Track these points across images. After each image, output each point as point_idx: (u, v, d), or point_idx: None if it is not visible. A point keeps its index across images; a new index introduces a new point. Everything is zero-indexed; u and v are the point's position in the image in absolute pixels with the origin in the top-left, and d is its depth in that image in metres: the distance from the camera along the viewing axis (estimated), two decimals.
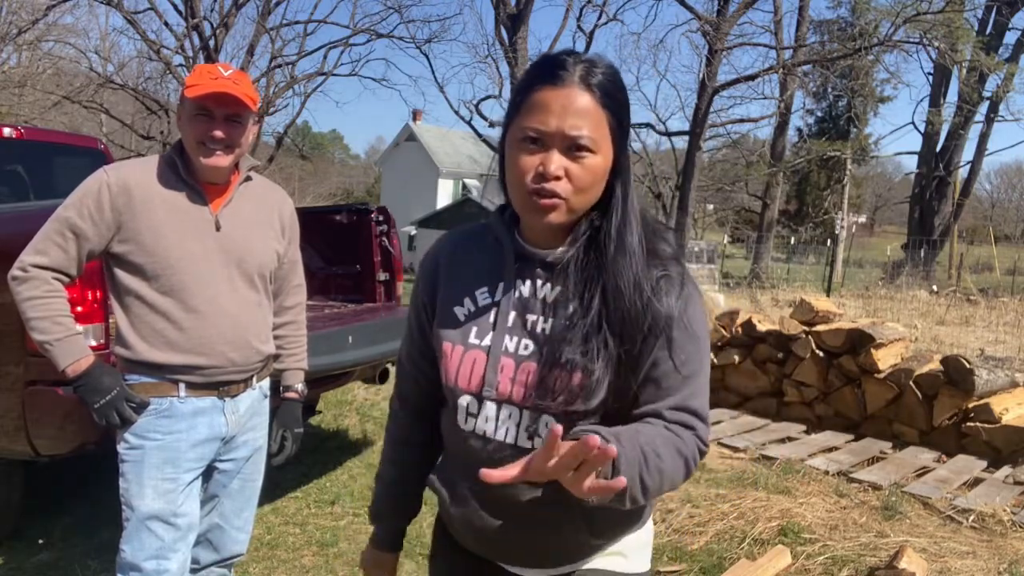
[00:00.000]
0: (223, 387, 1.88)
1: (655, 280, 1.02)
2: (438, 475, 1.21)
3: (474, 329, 1.07)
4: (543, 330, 1.04)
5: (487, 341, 1.06)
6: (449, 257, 1.15)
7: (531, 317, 1.05)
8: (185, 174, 1.82)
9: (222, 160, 1.80)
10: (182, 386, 1.83)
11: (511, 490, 1.04)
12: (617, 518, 1.11)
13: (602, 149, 0.99)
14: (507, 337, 1.05)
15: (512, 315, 1.06)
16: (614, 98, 1.00)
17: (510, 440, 1.06)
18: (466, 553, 1.20)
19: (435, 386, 1.17)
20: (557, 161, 0.97)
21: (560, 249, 1.05)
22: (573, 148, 0.97)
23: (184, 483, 1.85)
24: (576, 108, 0.97)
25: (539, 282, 1.06)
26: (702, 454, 1.03)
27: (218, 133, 1.77)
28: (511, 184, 1.02)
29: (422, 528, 3.37)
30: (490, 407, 1.06)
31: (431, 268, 1.17)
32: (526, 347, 1.04)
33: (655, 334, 1.01)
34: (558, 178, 0.97)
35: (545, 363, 1.02)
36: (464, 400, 1.08)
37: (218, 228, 1.84)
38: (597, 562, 1.14)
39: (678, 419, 1.01)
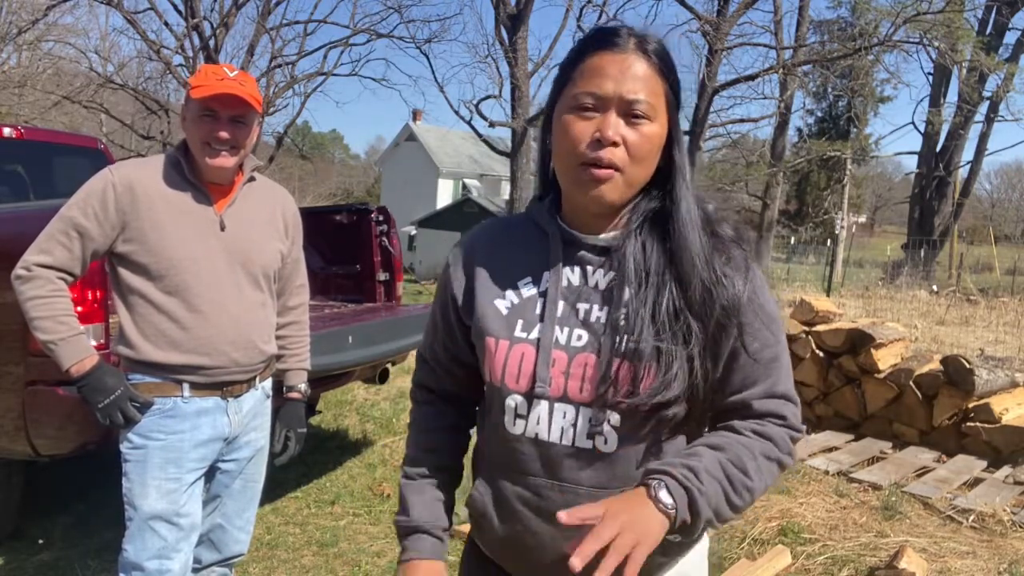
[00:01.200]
0: (226, 387, 1.89)
1: (721, 263, 0.97)
2: (478, 493, 1.08)
3: (520, 322, 1.00)
4: (598, 319, 0.97)
5: (535, 334, 0.98)
6: (486, 248, 1.08)
7: (583, 306, 0.98)
8: (189, 174, 1.82)
9: (227, 161, 1.80)
10: (186, 386, 1.83)
11: (574, 500, 0.97)
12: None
13: (659, 117, 0.96)
14: (558, 328, 0.98)
15: (562, 304, 0.99)
16: (670, 67, 0.98)
17: (567, 442, 0.97)
18: None
19: (462, 384, 1.14)
20: (615, 125, 0.92)
21: (612, 233, 0.99)
22: (631, 114, 0.93)
23: (187, 483, 1.85)
24: (634, 73, 0.94)
25: (590, 268, 1.00)
26: (794, 441, 1.02)
27: (223, 134, 1.77)
28: (562, 156, 0.96)
29: None
30: (542, 406, 0.97)
31: (463, 261, 1.08)
32: (579, 338, 0.97)
33: (731, 320, 0.96)
34: (615, 144, 0.92)
35: (606, 353, 0.94)
36: (513, 400, 0.99)
37: (222, 228, 1.84)
38: None
39: (768, 408, 0.99)
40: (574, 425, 0.97)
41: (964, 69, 19.43)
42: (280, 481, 3.70)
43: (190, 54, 19.31)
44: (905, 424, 4.86)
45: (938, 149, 22.14)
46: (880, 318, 7.59)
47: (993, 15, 20.55)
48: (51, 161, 4.86)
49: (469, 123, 20.91)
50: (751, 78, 19.69)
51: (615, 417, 0.96)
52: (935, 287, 15.55)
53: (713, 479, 0.91)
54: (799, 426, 1.02)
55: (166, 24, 19.69)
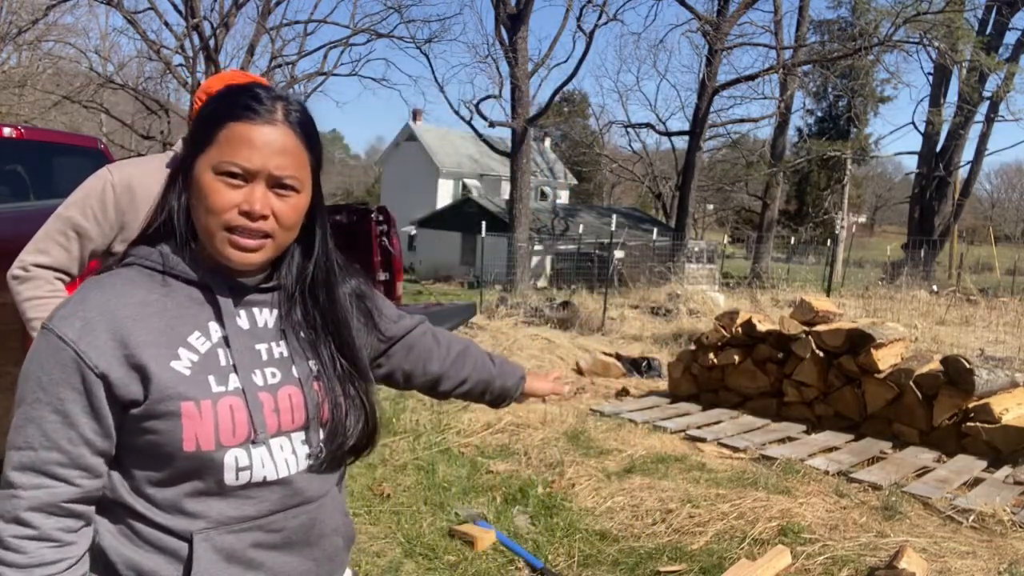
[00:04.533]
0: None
1: (356, 287, 1.16)
2: (206, 567, 0.96)
3: (211, 377, 0.96)
4: (281, 353, 1.04)
5: (234, 384, 0.98)
6: (130, 310, 0.94)
7: (262, 346, 1.03)
8: None
9: None
10: None
11: (316, 530, 1.06)
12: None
13: (306, 187, 1.00)
14: (253, 373, 1.00)
15: (245, 349, 1.01)
16: (314, 136, 1.02)
17: (293, 470, 1.02)
18: None
19: (99, 484, 0.95)
20: (263, 200, 0.95)
21: (260, 276, 1.05)
22: (278, 186, 0.97)
23: None
24: (283, 147, 0.96)
25: (256, 310, 1.04)
26: None
27: None
28: (207, 216, 0.96)
29: (422, 528, 3.37)
30: (262, 449, 0.99)
31: (103, 331, 0.92)
32: (274, 375, 1.02)
33: (374, 321, 1.20)
34: (265, 217, 0.96)
35: (306, 380, 1.03)
36: (233, 457, 0.96)
37: None
38: None
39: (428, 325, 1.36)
40: (294, 452, 1.02)
41: (964, 69, 19.45)
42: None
43: (190, 54, 19.32)
44: (905, 424, 4.86)
45: (938, 149, 22.15)
46: (880, 318, 7.59)
47: (993, 15, 20.56)
48: (51, 161, 4.85)
49: (469, 123, 20.96)
50: (751, 78, 19.70)
51: (321, 431, 1.05)
52: (935, 287, 15.56)
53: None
54: None
55: (166, 24, 19.73)
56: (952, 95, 21.55)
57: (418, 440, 4.54)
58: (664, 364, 6.90)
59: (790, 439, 4.92)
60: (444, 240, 26.73)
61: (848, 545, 3.20)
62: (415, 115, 34.15)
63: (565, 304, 10.82)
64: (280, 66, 21.02)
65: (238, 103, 0.97)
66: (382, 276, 4.42)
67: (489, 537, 3.23)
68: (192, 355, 0.96)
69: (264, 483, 0.99)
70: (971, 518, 3.53)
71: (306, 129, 1.00)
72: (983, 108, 21.26)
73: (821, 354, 5.20)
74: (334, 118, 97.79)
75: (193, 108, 1.83)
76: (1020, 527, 3.47)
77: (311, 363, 1.05)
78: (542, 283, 20.83)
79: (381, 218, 4.39)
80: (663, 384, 6.44)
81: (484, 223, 14.87)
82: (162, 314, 0.96)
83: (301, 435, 1.03)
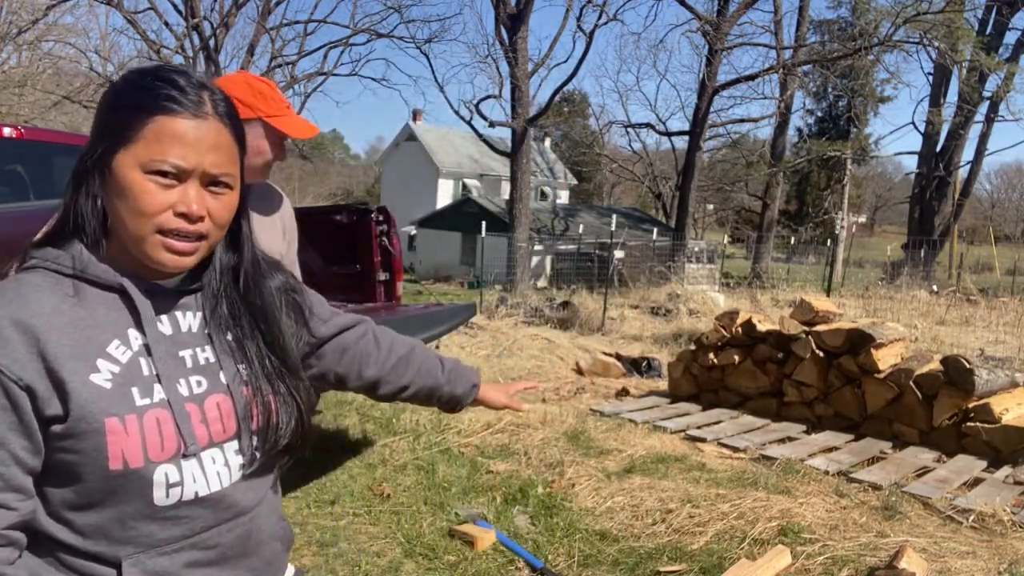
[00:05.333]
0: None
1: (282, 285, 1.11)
2: None
3: (135, 389, 0.90)
4: (207, 359, 0.98)
5: (159, 395, 0.91)
6: (44, 319, 0.87)
7: (187, 352, 0.96)
8: None
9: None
10: None
11: (253, 539, 1.02)
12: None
13: (237, 183, 0.96)
14: (178, 382, 0.94)
15: (169, 357, 0.94)
16: (239, 127, 0.97)
17: (226, 483, 0.97)
18: None
19: (32, 506, 0.89)
20: (200, 200, 0.90)
21: (181, 276, 0.98)
22: (213, 184, 0.92)
23: None
24: (215, 142, 0.91)
25: (179, 314, 0.98)
26: None
27: (281, 156, 1.86)
28: (132, 216, 0.88)
29: (422, 528, 3.37)
30: (193, 463, 0.93)
31: (21, 341, 0.85)
32: (200, 384, 0.96)
33: (304, 318, 1.15)
34: (202, 218, 0.91)
35: (235, 387, 0.98)
36: (162, 473, 0.90)
37: None
38: None
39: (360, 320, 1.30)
40: (227, 464, 0.97)
41: (964, 69, 19.45)
42: (280, 481, 3.70)
43: (190, 54, 19.33)
44: (905, 424, 4.86)
45: (938, 149, 22.15)
46: (880, 318, 7.59)
47: (993, 15, 20.56)
48: (51, 161, 4.86)
49: (469, 123, 20.96)
50: (751, 78, 19.70)
51: (254, 438, 1.00)
52: (935, 287, 15.56)
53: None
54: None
55: (166, 24, 19.74)
56: (952, 95, 21.58)
57: (418, 440, 4.54)
58: (664, 364, 6.90)
59: (790, 439, 4.92)
60: (444, 240, 26.73)
61: (848, 545, 3.20)
62: (415, 115, 34.17)
63: (565, 304, 10.83)
64: (280, 66, 21.04)
65: (161, 93, 0.90)
66: (382, 276, 4.42)
67: (489, 537, 3.23)
68: (112, 366, 0.89)
69: (196, 499, 0.94)
70: (971, 518, 3.53)
71: (233, 120, 0.95)
72: (983, 108, 21.27)
73: (821, 354, 5.20)
74: (334, 118, 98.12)
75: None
76: (1020, 527, 3.47)
77: (240, 366, 1.00)
78: (542, 283, 20.83)
79: (381, 218, 4.39)
80: (663, 384, 6.44)
81: (484, 223, 14.87)
82: (76, 323, 0.89)
83: (234, 444, 0.98)
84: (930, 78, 22.05)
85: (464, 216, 25.45)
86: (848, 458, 4.45)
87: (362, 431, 4.85)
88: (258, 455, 1.00)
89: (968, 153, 22.30)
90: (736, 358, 5.62)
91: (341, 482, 3.96)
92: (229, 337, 1.01)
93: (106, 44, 22.99)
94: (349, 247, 4.48)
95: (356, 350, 1.27)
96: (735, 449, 4.64)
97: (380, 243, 4.38)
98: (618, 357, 7.41)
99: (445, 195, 32.43)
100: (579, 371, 7.12)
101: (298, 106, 21.81)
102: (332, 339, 1.24)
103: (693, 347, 6.07)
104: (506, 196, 23.25)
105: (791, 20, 24.45)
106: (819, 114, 34.56)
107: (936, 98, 21.81)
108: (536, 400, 5.77)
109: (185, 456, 0.92)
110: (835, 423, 5.15)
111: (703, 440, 4.78)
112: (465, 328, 8.14)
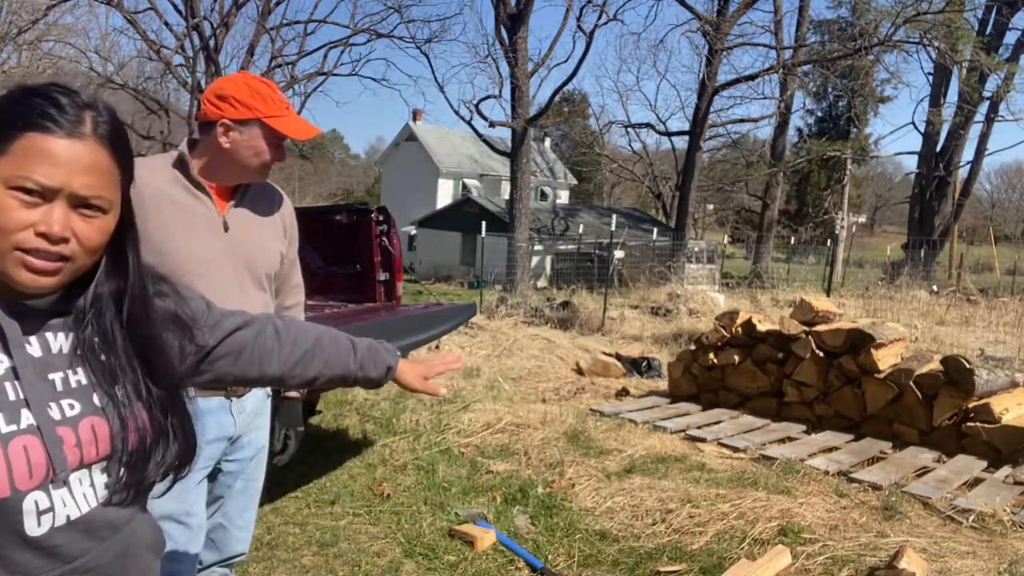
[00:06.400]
0: (230, 386, 1.89)
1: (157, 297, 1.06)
2: None
3: (0, 416, 0.86)
4: (79, 382, 0.93)
5: (27, 420, 0.87)
6: None
7: (57, 375, 0.92)
8: (194, 174, 1.81)
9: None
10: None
11: (129, 554, 0.99)
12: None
13: (114, 207, 0.92)
14: (49, 406, 0.89)
15: (37, 380, 0.89)
16: (124, 150, 0.93)
17: (93, 504, 0.93)
18: None
19: None
20: (63, 221, 0.86)
21: (53, 296, 0.93)
22: (83, 206, 0.88)
23: (194, 482, 1.85)
24: (89, 164, 0.87)
25: (49, 335, 0.93)
26: None
27: (280, 159, 1.86)
28: None
29: (422, 528, 3.37)
30: (63, 489, 0.89)
31: None
32: (72, 407, 0.91)
33: (190, 335, 1.10)
34: (66, 240, 0.87)
35: (104, 411, 0.93)
36: (32, 501, 0.87)
37: (226, 229, 1.84)
38: None
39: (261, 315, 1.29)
40: (93, 484, 0.93)
41: (964, 69, 19.45)
42: (280, 481, 3.70)
43: (190, 54, 19.33)
44: (905, 424, 4.86)
45: (938, 149, 22.15)
46: (880, 318, 7.59)
47: (993, 15, 20.56)
48: None
49: (469, 123, 20.96)
50: (751, 78, 19.70)
51: (122, 458, 0.96)
52: (935, 287, 15.56)
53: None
54: None
55: (166, 24, 19.75)
56: (952, 95, 21.58)
57: (418, 440, 4.54)
58: (664, 364, 6.90)
59: (790, 439, 4.92)
60: (444, 240, 26.73)
61: (848, 545, 3.20)
62: (415, 115, 34.16)
63: (565, 304, 10.83)
64: (280, 66, 21.04)
65: (37, 110, 0.86)
66: (382, 276, 4.42)
67: (489, 537, 3.23)
68: None
69: (68, 523, 0.90)
70: (971, 518, 3.53)
71: (116, 143, 0.91)
72: (983, 108, 21.27)
73: (821, 354, 5.20)
74: (334, 118, 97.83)
75: (199, 110, 1.83)
76: (1020, 527, 3.47)
77: (116, 388, 0.95)
78: (542, 283, 20.84)
79: (381, 218, 4.39)
80: (663, 384, 6.44)
81: (484, 223, 14.87)
82: None
83: (102, 464, 0.94)
84: (930, 78, 22.05)
85: (464, 216, 25.44)
86: (848, 458, 4.45)
87: (362, 431, 4.85)
88: (124, 477, 0.95)
89: (968, 153, 22.32)
90: (736, 358, 5.62)
91: (341, 482, 3.96)
92: (103, 359, 0.96)
93: (106, 44, 23.01)
94: (349, 247, 4.48)
95: (255, 349, 1.23)
96: (735, 449, 4.64)
97: (380, 243, 4.38)
98: (618, 357, 7.41)
99: (445, 195, 32.42)
100: (579, 371, 7.12)
101: (298, 106, 21.81)
102: (221, 344, 1.18)
103: (693, 347, 6.07)
104: (506, 196, 23.26)
105: (791, 20, 24.48)
106: (819, 114, 34.57)
107: (936, 98, 21.81)
108: (536, 400, 5.77)
109: (53, 483, 0.88)
110: (835, 423, 5.15)
111: (703, 440, 4.78)
112: (465, 328, 8.14)
